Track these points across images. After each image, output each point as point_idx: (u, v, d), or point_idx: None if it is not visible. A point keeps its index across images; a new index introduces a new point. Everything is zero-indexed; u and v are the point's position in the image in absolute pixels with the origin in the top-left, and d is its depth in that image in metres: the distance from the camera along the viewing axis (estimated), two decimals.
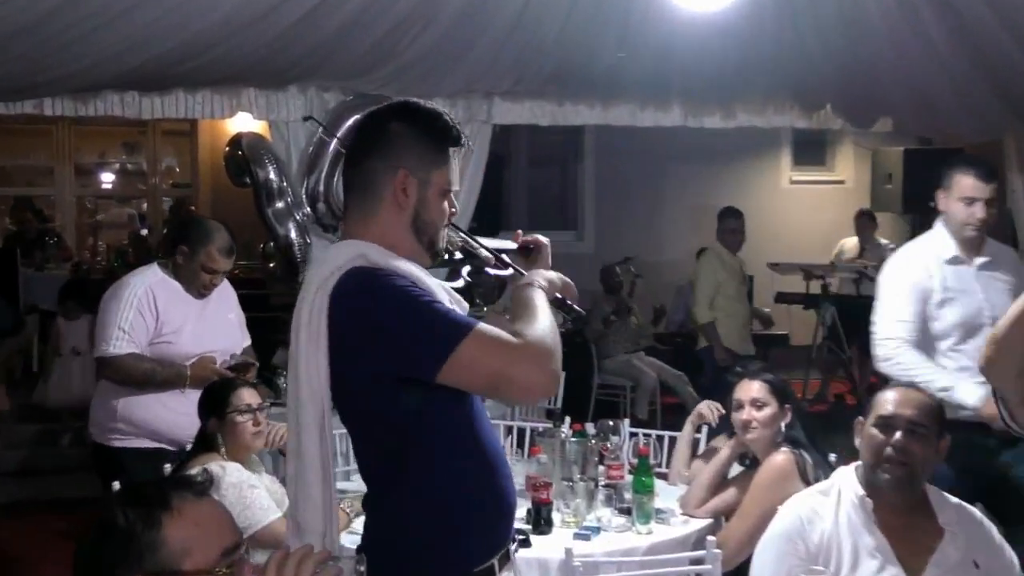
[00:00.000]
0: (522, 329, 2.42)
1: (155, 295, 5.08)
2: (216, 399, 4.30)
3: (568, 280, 2.79)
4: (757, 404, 4.37)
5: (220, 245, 5.15)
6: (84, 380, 8.97)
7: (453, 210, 2.67)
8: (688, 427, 5.15)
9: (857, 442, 3.35)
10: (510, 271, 2.82)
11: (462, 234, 2.79)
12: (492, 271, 2.81)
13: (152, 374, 5.02)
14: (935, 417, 3.28)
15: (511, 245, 2.88)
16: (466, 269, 2.80)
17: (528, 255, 2.87)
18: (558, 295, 2.71)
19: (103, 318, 5.08)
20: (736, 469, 4.60)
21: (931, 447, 3.24)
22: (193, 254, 5.11)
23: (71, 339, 9.23)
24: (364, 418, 2.52)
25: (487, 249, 2.82)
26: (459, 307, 2.61)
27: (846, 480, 3.32)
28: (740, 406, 4.40)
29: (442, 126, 2.62)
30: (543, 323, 2.46)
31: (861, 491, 3.24)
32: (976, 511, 3.34)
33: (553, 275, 2.76)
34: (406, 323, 2.39)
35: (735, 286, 8.75)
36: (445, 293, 2.57)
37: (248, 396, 4.31)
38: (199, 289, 5.20)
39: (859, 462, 3.34)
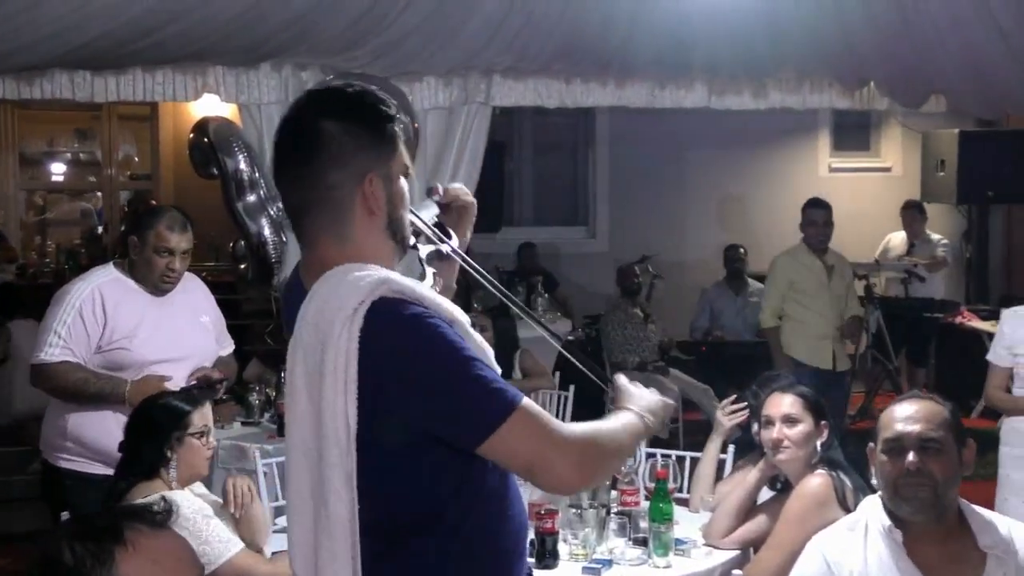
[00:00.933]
0: (584, 429, 2.50)
1: (103, 296, 5.09)
2: (175, 417, 4.29)
3: (670, 404, 2.84)
4: (789, 421, 4.36)
5: (168, 222, 5.18)
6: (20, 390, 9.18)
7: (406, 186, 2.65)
8: (711, 446, 5.15)
9: (872, 472, 3.34)
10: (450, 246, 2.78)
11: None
12: (442, 248, 2.75)
13: (84, 384, 5.01)
14: (949, 425, 3.25)
15: (432, 208, 2.81)
16: (426, 251, 2.72)
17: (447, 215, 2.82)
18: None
19: (43, 323, 5.11)
20: (767, 494, 4.60)
21: (952, 460, 3.22)
22: (143, 241, 5.15)
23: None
24: (378, 474, 2.43)
25: (427, 226, 2.73)
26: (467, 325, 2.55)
27: (873, 511, 3.31)
28: (770, 423, 4.40)
29: (372, 104, 2.58)
30: (609, 437, 2.55)
31: (888, 522, 3.24)
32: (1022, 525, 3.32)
33: (659, 406, 2.77)
34: (451, 384, 2.37)
35: (813, 289, 8.34)
36: (463, 319, 2.53)
37: (200, 419, 4.32)
38: (157, 282, 5.21)
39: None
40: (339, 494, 2.40)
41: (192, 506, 4.03)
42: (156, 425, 4.27)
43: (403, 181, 2.60)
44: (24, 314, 9.27)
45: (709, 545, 4.52)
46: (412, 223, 2.66)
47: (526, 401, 2.39)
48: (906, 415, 3.26)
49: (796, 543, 3.87)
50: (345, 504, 2.40)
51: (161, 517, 1.99)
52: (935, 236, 11.20)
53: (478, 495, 2.49)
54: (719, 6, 6.56)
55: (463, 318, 2.51)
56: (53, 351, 5.01)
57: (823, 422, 4.37)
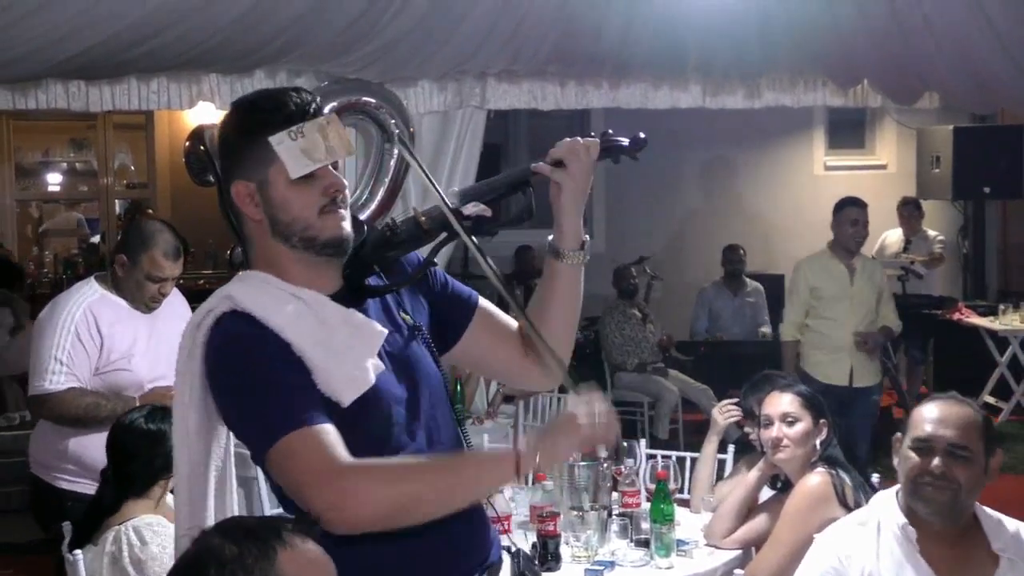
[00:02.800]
0: (374, 468, 2.43)
1: (96, 316, 4.91)
2: (162, 432, 4.27)
3: (577, 439, 2.52)
4: (788, 420, 4.36)
5: (164, 248, 4.97)
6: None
7: (334, 188, 2.59)
8: (709, 446, 5.15)
9: (896, 462, 3.34)
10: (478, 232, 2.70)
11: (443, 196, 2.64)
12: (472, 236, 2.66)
13: (95, 409, 4.82)
14: (980, 434, 3.24)
15: (521, 173, 2.79)
16: (428, 253, 2.72)
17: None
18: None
19: (37, 348, 4.87)
20: (767, 493, 4.60)
21: (977, 469, 3.21)
22: (134, 263, 4.95)
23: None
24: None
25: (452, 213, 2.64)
26: (357, 339, 2.55)
27: (886, 507, 3.31)
28: (769, 423, 4.40)
29: (258, 112, 2.62)
30: (398, 479, 2.43)
31: (903, 519, 3.23)
32: None
33: (556, 433, 2.52)
34: (244, 403, 2.49)
35: (832, 295, 7.69)
36: (320, 331, 2.52)
37: None
38: (146, 303, 5.03)
39: (899, 486, 3.34)
40: (179, 485, 2.72)
41: (163, 542, 4.04)
42: (159, 442, 4.24)
43: (295, 190, 2.57)
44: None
45: (711, 545, 4.52)
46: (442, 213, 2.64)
47: (313, 429, 2.40)
48: (940, 417, 3.24)
49: (797, 541, 3.88)
50: (182, 496, 2.71)
51: (309, 528, 2.11)
52: (931, 232, 11.20)
53: None
54: (712, 6, 6.57)
55: (307, 341, 2.49)
56: (58, 379, 4.80)
57: (822, 420, 4.38)
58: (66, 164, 15.93)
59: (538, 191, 2.79)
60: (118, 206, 14.77)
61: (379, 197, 7.25)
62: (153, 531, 4.01)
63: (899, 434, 3.34)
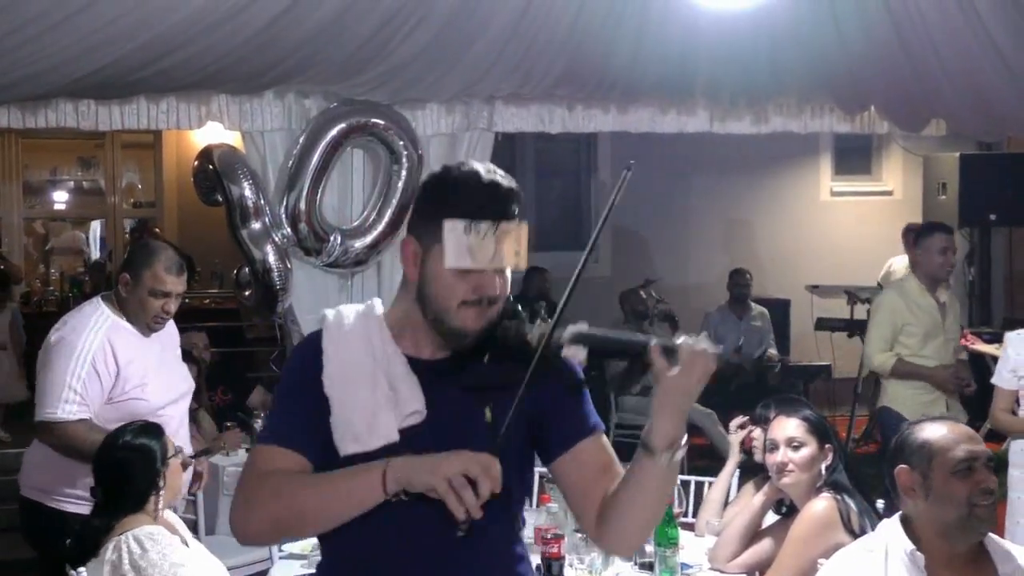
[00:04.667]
0: (280, 483, 2.54)
1: (113, 346, 4.89)
2: (159, 444, 4.30)
3: (462, 462, 2.40)
4: (793, 444, 4.37)
5: (166, 263, 4.98)
6: (10, 376, 9.31)
7: (483, 292, 2.58)
8: (728, 469, 5.14)
9: (907, 499, 3.30)
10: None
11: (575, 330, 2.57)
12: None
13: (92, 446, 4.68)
14: None
15: (636, 341, 2.59)
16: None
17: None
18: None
19: (50, 373, 4.82)
20: (772, 517, 4.60)
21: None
22: (137, 281, 4.95)
23: None
24: None
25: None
26: (394, 403, 2.59)
27: (893, 534, 3.31)
28: (774, 447, 4.41)
29: (459, 188, 2.60)
30: (291, 494, 2.51)
31: (910, 545, 3.23)
32: None
33: (431, 459, 2.43)
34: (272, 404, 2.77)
35: (925, 333, 7.13)
36: (368, 385, 2.59)
37: (169, 439, 4.39)
38: (150, 322, 5.02)
39: (901, 512, 3.33)
40: None
41: (170, 549, 4.05)
42: (150, 457, 4.27)
43: (449, 274, 2.57)
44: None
45: (715, 569, 4.52)
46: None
47: (265, 448, 2.61)
48: (968, 435, 3.27)
49: (801, 566, 3.89)
50: None
51: None
52: None
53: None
54: (720, 32, 6.58)
55: (347, 389, 2.59)
56: (71, 407, 4.77)
57: (827, 445, 4.38)
58: (74, 182, 15.99)
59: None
60: (126, 225, 14.81)
61: (386, 219, 7.27)
62: (153, 540, 4.03)
63: (904, 467, 3.32)
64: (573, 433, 2.72)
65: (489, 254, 2.55)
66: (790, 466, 4.35)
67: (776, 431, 4.43)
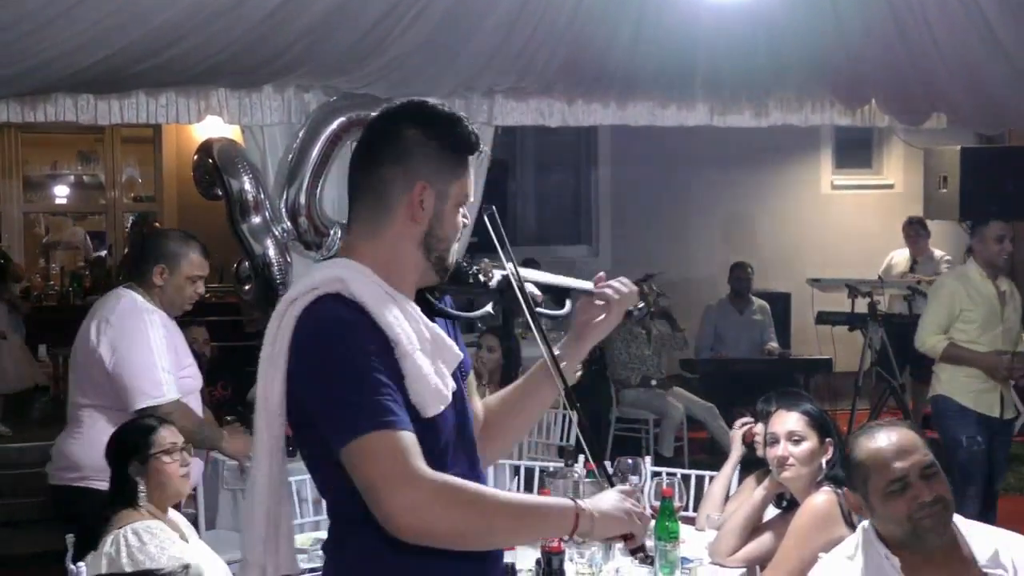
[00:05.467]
0: (455, 482, 2.47)
1: (165, 328, 5.14)
2: (134, 440, 4.28)
3: (638, 523, 2.68)
4: (794, 439, 4.37)
5: (199, 250, 5.32)
6: (15, 365, 9.32)
7: (465, 222, 2.71)
8: (730, 464, 5.14)
9: (864, 515, 3.29)
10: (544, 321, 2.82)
11: (517, 269, 2.75)
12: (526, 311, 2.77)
13: (197, 431, 5.05)
14: (926, 442, 3.25)
15: (586, 285, 2.94)
16: (490, 305, 2.80)
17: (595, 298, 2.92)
18: (620, 541, 2.70)
19: (139, 362, 5.00)
20: (773, 511, 4.60)
21: (944, 476, 3.23)
22: (175, 269, 5.22)
23: None
24: (323, 448, 2.54)
25: (529, 295, 2.79)
26: (441, 354, 2.61)
27: (869, 539, 3.29)
28: (775, 441, 4.41)
29: (461, 132, 2.68)
30: (488, 503, 2.50)
31: (884, 549, 3.21)
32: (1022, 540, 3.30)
33: (618, 513, 2.63)
34: (333, 387, 2.47)
35: (984, 321, 7.04)
36: (417, 338, 2.56)
37: (170, 435, 4.31)
38: (183, 306, 5.32)
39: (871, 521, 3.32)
40: (259, 460, 2.60)
41: (163, 544, 4.03)
42: (120, 451, 4.27)
43: (461, 210, 2.68)
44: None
45: (715, 563, 4.51)
46: (517, 277, 2.75)
47: (399, 434, 2.42)
48: (897, 449, 3.21)
49: (801, 560, 3.89)
50: (262, 471, 2.59)
51: None
52: (938, 253, 11.20)
53: None
54: (720, 25, 6.57)
55: (411, 345, 2.53)
56: (170, 388, 5.01)
57: (828, 440, 4.38)
58: (74, 177, 15.99)
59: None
60: (127, 219, 14.80)
61: None
62: (152, 533, 4.02)
63: (844, 490, 3.32)
64: (465, 365, 2.81)
65: (473, 185, 2.72)
66: (790, 460, 4.35)
67: (777, 425, 4.43)
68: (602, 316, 2.95)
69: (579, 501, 2.57)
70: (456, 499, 2.44)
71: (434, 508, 2.40)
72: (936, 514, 3.14)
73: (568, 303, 2.92)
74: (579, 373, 2.95)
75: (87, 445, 5.07)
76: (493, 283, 2.77)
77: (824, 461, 4.35)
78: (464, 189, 2.68)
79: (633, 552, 2.69)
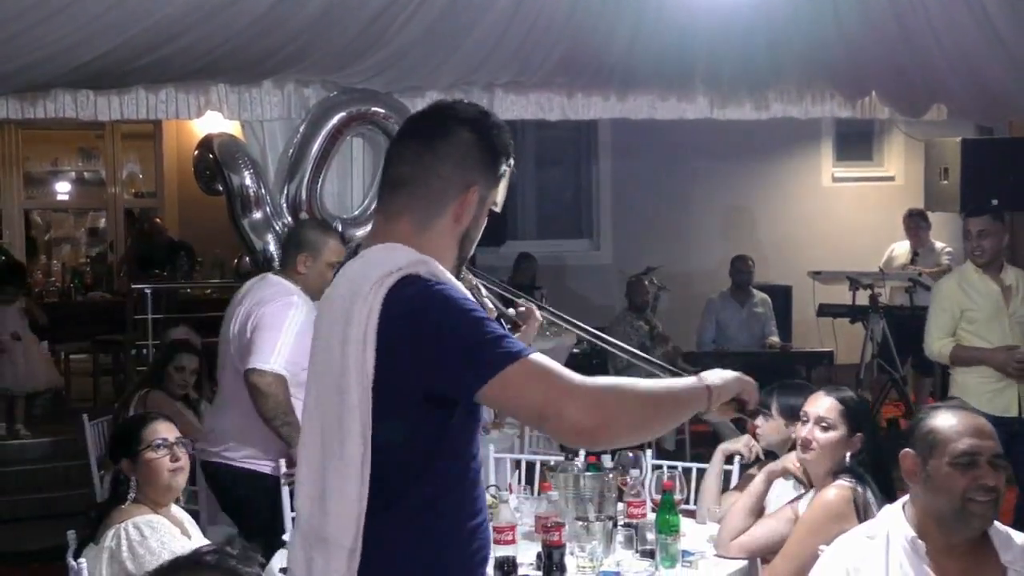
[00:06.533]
0: (606, 380, 2.58)
1: (308, 315, 5.30)
2: (124, 437, 4.27)
3: (748, 380, 2.86)
4: (823, 424, 4.31)
5: (336, 236, 5.58)
6: (29, 365, 9.33)
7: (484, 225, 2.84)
8: (717, 458, 5.14)
9: (914, 480, 3.28)
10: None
11: (475, 279, 2.90)
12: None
13: (282, 413, 5.23)
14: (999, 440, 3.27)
15: (510, 312, 3.10)
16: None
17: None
18: (737, 399, 2.84)
19: (269, 332, 5.32)
20: (776, 503, 4.59)
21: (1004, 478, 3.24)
22: (317, 256, 5.42)
23: (10, 325, 9.48)
24: (374, 428, 2.61)
25: (493, 303, 2.98)
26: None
27: (894, 521, 3.28)
28: (805, 420, 4.36)
29: (507, 140, 2.80)
30: (640, 389, 2.60)
31: (911, 532, 3.21)
32: None
33: (730, 377, 2.81)
34: (461, 332, 2.53)
35: (987, 317, 6.77)
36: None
37: (164, 429, 4.29)
38: (321, 290, 5.45)
39: (905, 498, 3.32)
40: (354, 437, 2.59)
41: (161, 541, 4.04)
42: (115, 447, 4.27)
43: (486, 212, 2.80)
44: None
45: (719, 556, 4.50)
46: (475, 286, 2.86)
47: (538, 355, 2.53)
48: (976, 428, 3.22)
49: (809, 553, 3.87)
50: (358, 447, 2.59)
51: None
52: (939, 244, 11.19)
53: (450, 476, 2.63)
54: (719, 19, 6.57)
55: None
56: (278, 362, 5.26)
57: (859, 434, 4.31)
58: (75, 173, 15.98)
59: None
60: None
61: None
62: (153, 528, 4.02)
63: (909, 451, 3.29)
64: None
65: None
66: (813, 444, 4.30)
67: (811, 405, 4.37)
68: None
69: (702, 376, 2.74)
70: (625, 395, 2.56)
71: (614, 405, 2.52)
72: (989, 502, 3.14)
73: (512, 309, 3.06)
74: None
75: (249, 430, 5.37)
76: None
77: (849, 454, 4.29)
78: (498, 195, 2.82)
79: (751, 413, 2.89)
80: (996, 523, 3.28)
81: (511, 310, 3.09)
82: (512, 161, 2.81)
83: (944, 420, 3.25)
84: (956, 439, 3.19)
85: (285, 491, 5.10)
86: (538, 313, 3.07)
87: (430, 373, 2.53)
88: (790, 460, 4.81)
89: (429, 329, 2.53)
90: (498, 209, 2.82)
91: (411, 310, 2.55)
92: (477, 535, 2.70)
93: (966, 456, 3.16)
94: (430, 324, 2.53)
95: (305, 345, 5.07)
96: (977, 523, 3.15)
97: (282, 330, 5.29)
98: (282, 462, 5.25)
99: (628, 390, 2.57)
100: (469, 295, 2.64)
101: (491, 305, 2.93)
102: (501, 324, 2.82)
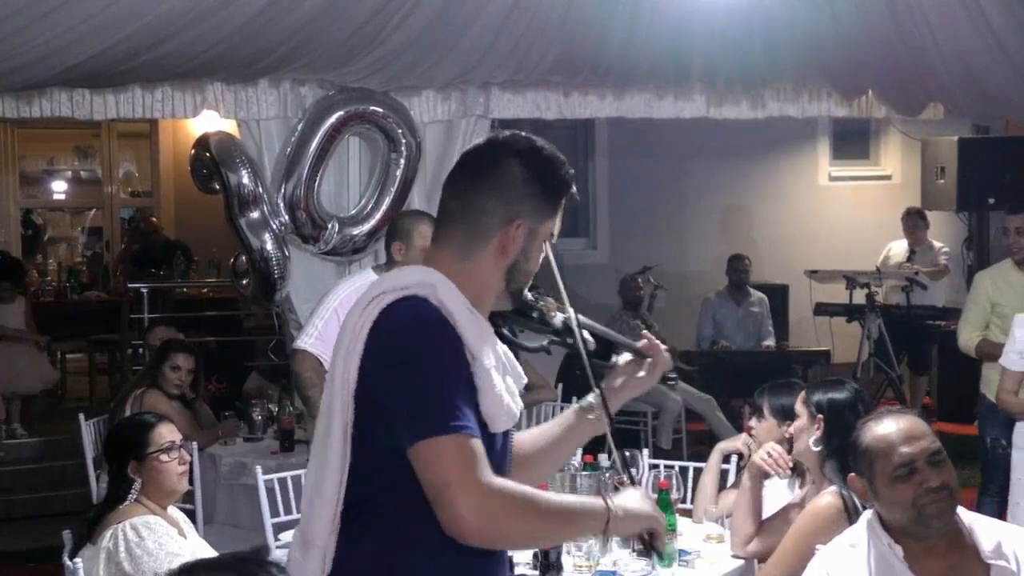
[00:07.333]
0: (515, 487, 2.56)
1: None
2: (131, 438, 4.27)
3: (658, 520, 2.77)
4: (792, 416, 4.41)
5: (427, 220, 5.55)
6: (27, 364, 9.33)
7: (546, 254, 2.82)
8: (714, 457, 5.15)
9: (868, 500, 3.29)
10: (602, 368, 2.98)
11: (575, 314, 2.84)
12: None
13: (307, 383, 5.52)
14: (934, 432, 3.26)
15: (633, 344, 3.02)
16: (547, 341, 2.89)
17: (641, 358, 3.00)
18: (641, 538, 2.78)
19: (311, 313, 5.80)
20: (777, 503, 4.59)
21: (951, 466, 3.23)
22: (410, 244, 5.48)
23: (11, 321, 9.48)
24: (380, 437, 2.61)
25: (593, 335, 2.91)
26: (510, 375, 2.72)
27: (872, 528, 3.28)
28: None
29: (562, 176, 2.79)
30: (542, 505, 2.59)
31: (888, 538, 3.20)
32: None
33: (642, 512, 2.74)
34: (413, 385, 2.54)
35: (1014, 312, 6.33)
36: (493, 356, 2.67)
37: (169, 432, 4.29)
38: None
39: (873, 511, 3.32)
40: (335, 441, 2.63)
41: (159, 542, 4.03)
42: (116, 449, 4.26)
43: (545, 245, 2.80)
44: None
45: (736, 556, 4.51)
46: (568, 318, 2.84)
47: (472, 441, 2.51)
48: (906, 434, 3.21)
49: (799, 559, 3.88)
50: (337, 453, 2.62)
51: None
52: (937, 244, 11.19)
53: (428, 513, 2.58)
54: (716, 17, 6.57)
55: (489, 361, 2.63)
56: (308, 340, 5.58)
57: (819, 416, 4.34)
58: (71, 172, 15.97)
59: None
60: (125, 214, 14.79)
61: (384, 206, 7.26)
62: (150, 528, 4.01)
63: (852, 475, 3.31)
64: None
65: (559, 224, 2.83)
66: (793, 436, 4.39)
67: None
68: (642, 374, 2.98)
69: (609, 501, 2.66)
70: (519, 504, 2.54)
71: (501, 513, 2.51)
72: (941, 500, 3.13)
73: (614, 356, 3.01)
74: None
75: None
76: (556, 322, 2.84)
77: (812, 440, 4.32)
78: (553, 228, 2.79)
79: (652, 549, 2.77)
80: (977, 517, 3.28)
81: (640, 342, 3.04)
82: (572, 191, 2.81)
83: (874, 435, 3.25)
84: (890, 452, 3.19)
85: None
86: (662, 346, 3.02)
87: (384, 407, 2.57)
88: (740, 441, 4.93)
89: (395, 369, 2.56)
90: (554, 240, 2.82)
91: (392, 339, 2.58)
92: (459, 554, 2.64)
93: (903, 467, 3.16)
94: (398, 364, 2.56)
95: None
96: (937, 523, 3.15)
97: (320, 308, 5.61)
98: None
99: (525, 502, 2.56)
100: (473, 345, 2.61)
101: (589, 336, 2.88)
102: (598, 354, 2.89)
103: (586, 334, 2.86)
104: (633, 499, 2.73)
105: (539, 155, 2.78)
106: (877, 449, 3.22)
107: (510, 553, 2.91)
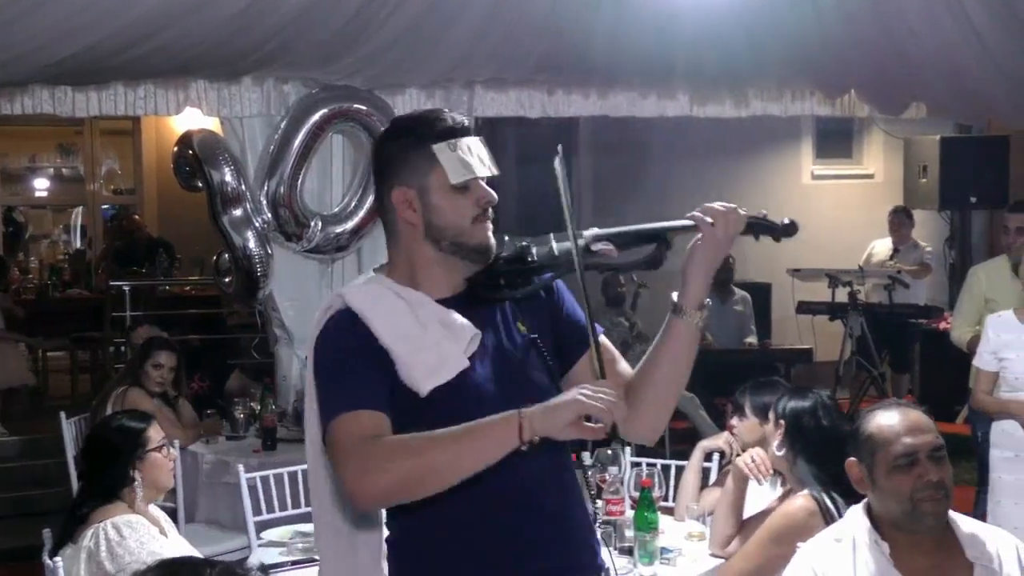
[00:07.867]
0: (396, 438, 2.60)
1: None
2: (129, 439, 4.27)
3: (582, 404, 2.54)
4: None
5: None
6: (4, 361, 9.33)
7: (486, 200, 2.81)
8: (696, 455, 5.16)
9: (863, 488, 3.29)
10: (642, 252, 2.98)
11: (573, 230, 2.85)
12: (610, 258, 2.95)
13: None
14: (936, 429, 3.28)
15: (679, 223, 3.02)
16: (548, 275, 2.92)
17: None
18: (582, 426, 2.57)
19: None
20: (759, 504, 4.60)
21: (950, 465, 3.24)
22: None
23: None
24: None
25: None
26: (455, 335, 2.73)
27: (858, 523, 3.29)
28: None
29: (416, 126, 2.79)
30: (412, 440, 2.58)
31: (875, 534, 3.21)
32: (1007, 535, 3.31)
33: (557, 401, 2.57)
34: (319, 386, 2.72)
35: (1008, 307, 6.19)
36: (430, 319, 2.72)
37: (155, 432, 4.31)
38: None
39: (865, 500, 3.33)
40: (313, 436, 2.79)
41: (149, 538, 4.03)
42: (115, 448, 4.25)
43: (452, 197, 2.75)
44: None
45: (715, 555, 4.52)
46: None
47: (359, 414, 2.61)
48: (912, 426, 3.22)
49: (766, 558, 3.91)
50: (315, 451, 2.81)
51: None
52: (921, 243, 11.21)
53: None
54: (699, 16, 6.57)
55: (401, 333, 2.70)
56: None
57: (780, 421, 4.35)
58: (53, 170, 15.92)
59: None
60: (106, 212, 14.76)
61: (367, 205, 7.25)
62: (132, 527, 4.01)
63: (853, 459, 3.31)
64: (585, 335, 2.82)
65: (478, 162, 2.78)
66: (761, 442, 4.46)
67: None
68: (708, 242, 2.95)
69: (525, 410, 2.54)
70: (390, 452, 2.55)
71: (371, 468, 2.53)
72: (938, 498, 3.14)
73: (654, 247, 2.95)
74: (704, 316, 2.92)
75: None
76: (554, 250, 2.87)
77: (775, 443, 4.34)
78: (444, 175, 2.73)
79: (603, 439, 2.77)
80: (961, 516, 3.29)
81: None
82: (447, 136, 2.75)
83: (879, 423, 3.26)
84: (893, 441, 3.19)
85: None
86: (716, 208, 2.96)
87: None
88: (722, 439, 5.04)
89: (313, 367, 2.75)
90: (457, 180, 2.73)
91: (312, 352, 2.76)
92: (485, 532, 2.73)
93: (905, 457, 3.16)
94: (314, 375, 2.73)
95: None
96: (931, 520, 3.16)
97: None
98: None
99: (399, 443, 2.57)
100: (385, 334, 2.69)
101: (609, 245, 2.88)
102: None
103: (604, 244, 2.90)
104: (559, 396, 2.60)
105: (395, 123, 2.91)
106: (881, 437, 3.23)
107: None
